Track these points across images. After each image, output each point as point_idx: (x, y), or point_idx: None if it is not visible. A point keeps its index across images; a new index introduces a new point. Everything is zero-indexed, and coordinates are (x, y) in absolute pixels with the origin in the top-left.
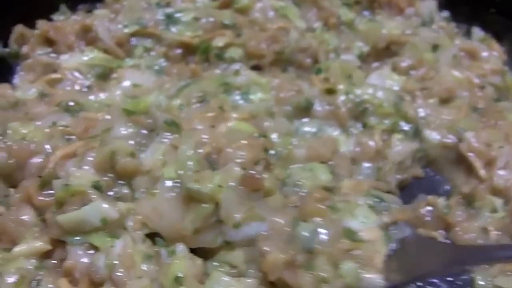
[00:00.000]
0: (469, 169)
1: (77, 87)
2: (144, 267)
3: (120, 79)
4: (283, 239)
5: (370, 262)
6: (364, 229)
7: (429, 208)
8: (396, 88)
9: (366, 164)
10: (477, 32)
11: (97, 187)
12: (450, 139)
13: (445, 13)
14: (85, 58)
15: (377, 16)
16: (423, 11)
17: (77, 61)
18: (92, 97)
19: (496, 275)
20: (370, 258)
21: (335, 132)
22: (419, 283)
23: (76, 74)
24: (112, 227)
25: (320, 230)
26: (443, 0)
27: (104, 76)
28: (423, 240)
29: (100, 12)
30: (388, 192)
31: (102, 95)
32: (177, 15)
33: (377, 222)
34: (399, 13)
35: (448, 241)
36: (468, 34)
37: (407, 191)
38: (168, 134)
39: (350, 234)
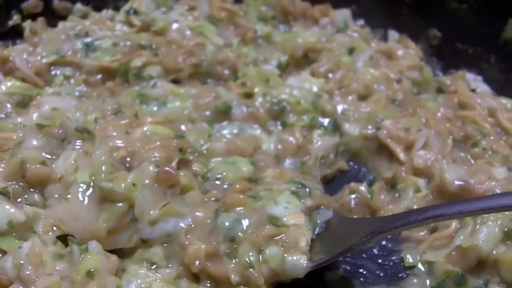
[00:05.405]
0: (391, 156)
1: None
2: (55, 265)
3: (39, 105)
4: (206, 231)
5: (295, 245)
6: (287, 214)
7: (353, 196)
8: (315, 89)
9: (289, 160)
10: (393, 34)
11: (4, 193)
12: (370, 129)
13: (360, 21)
14: (3, 88)
15: (293, 28)
16: (337, 20)
17: None
18: (9, 121)
19: (424, 251)
20: (295, 241)
21: (257, 132)
22: (349, 267)
23: None
24: (20, 231)
25: (242, 219)
26: (358, 9)
27: (23, 103)
28: (344, 220)
29: (19, 46)
30: None
31: (19, 119)
32: (96, 43)
33: (300, 207)
34: (314, 23)
35: None
36: (385, 38)
37: (333, 184)
38: (80, 141)
39: (274, 220)
